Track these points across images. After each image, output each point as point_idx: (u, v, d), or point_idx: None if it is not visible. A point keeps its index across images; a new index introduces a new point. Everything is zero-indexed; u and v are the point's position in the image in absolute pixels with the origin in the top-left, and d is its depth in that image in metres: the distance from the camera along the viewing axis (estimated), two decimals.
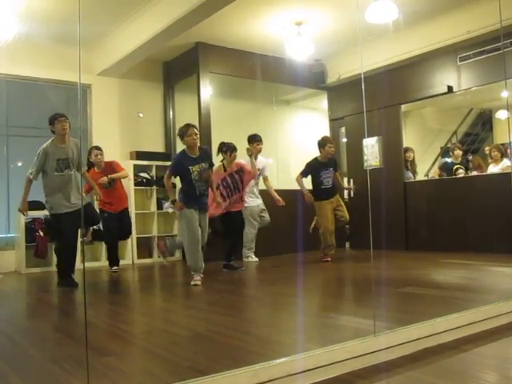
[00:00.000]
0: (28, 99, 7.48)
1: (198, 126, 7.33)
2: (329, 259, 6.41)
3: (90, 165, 6.17)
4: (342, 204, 6.62)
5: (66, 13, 5.93)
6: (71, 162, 5.09)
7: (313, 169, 6.50)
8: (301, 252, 7.18)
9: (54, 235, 5.69)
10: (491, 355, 2.42)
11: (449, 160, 8.19)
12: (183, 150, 4.93)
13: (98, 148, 6.24)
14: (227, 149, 5.81)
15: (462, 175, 7.50)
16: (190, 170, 4.82)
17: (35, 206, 6.83)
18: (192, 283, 4.78)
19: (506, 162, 7.15)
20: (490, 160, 7.48)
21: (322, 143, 6.54)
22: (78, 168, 5.17)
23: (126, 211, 6.49)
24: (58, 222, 5.09)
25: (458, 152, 7.95)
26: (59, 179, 5.03)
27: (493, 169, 7.23)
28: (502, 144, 8.40)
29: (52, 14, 6.13)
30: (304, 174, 6.51)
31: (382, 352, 2.30)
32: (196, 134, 4.84)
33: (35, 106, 7.52)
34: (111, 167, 6.30)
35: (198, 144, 4.95)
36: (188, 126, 4.86)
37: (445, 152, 9.24)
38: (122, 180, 6.47)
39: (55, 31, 6.42)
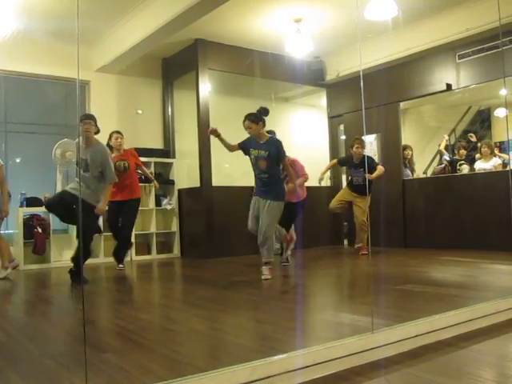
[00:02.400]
0: (26, 95, 7.47)
1: (197, 122, 7.38)
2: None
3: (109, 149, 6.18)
4: (361, 206, 6.72)
5: (64, 9, 5.91)
6: (89, 166, 5.07)
7: (346, 162, 7.12)
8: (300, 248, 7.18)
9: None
10: (489, 352, 2.43)
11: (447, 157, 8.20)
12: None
13: (118, 132, 6.28)
14: None
15: (467, 171, 7.50)
16: (250, 151, 5.01)
17: (34, 202, 6.86)
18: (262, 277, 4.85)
19: (496, 159, 7.17)
20: (479, 155, 7.53)
21: (351, 144, 6.95)
22: (105, 177, 5.18)
23: (131, 201, 6.25)
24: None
25: (463, 152, 7.95)
26: (81, 177, 5.11)
27: (481, 165, 7.23)
28: (501, 142, 8.42)
29: (50, 10, 6.11)
30: (340, 162, 7.21)
31: (380, 349, 2.31)
32: (249, 128, 4.98)
33: (33, 102, 7.51)
34: (131, 154, 6.34)
35: (259, 132, 4.99)
36: (245, 117, 5.02)
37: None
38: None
39: (54, 27, 6.41)
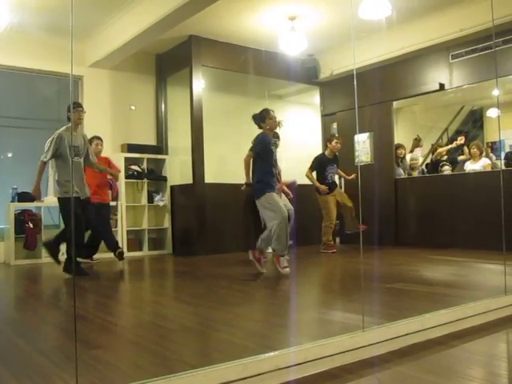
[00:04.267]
0: (19, 90, 7.43)
1: (190, 119, 7.38)
2: (335, 250, 6.87)
3: None
4: (345, 195, 7.02)
5: (58, 3, 5.88)
6: (80, 151, 5.32)
7: (320, 163, 6.94)
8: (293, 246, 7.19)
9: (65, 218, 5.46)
10: (478, 351, 2.44)
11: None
12: (265, 133, 5.06)
13: (99, 138, 6.39)
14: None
15: (449, 172, 7.56)
16: (272, 150, 5.01)
17: (25, 197, 6.82)
18: (285, 271, 4.79)
19: (485, 160, 7.22)
20: (463, 157, 7.58)
21: (329, 139, 7.02)
22: (84, 158, 5.44)
23: (106, 206, 6.47)
24: (68, 205, 5.16)
25: (441, 150, 8.04)
26: (74, 164, 5.24)
27: (470, 166, 7.28)
28: (493, 142, 8.46)
29: (44, 5, 6.07)
30: (313, 168, 6.94)
31: (371, 347, 2.31)
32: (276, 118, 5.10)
33: (26, 96, 7.47)
34: (106, 161, 6.43)
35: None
36: (268, 110, 5.07)
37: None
38: None
39: (47, 22, 6.37)
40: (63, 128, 5.25)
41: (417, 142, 8.46)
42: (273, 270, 5.37)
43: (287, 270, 4.84)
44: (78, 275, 5.08)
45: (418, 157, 8.27)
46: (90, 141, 6.27)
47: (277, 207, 4.83)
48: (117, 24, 6.80)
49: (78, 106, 5.34)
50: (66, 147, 5.15)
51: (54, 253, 5.32)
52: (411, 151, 8.42)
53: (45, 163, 5.19)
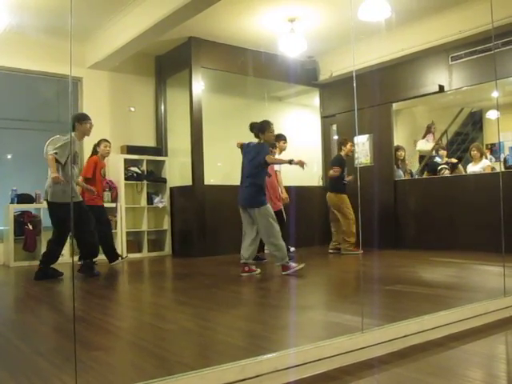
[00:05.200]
0: (18, 91, 7.42)
1: (189, 120, 7.38)
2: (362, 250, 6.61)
3: (94, 154, 6.28)
4: None
5: (57, 5, 5.88)
6: (77, 159, 5.49)
7: (343, 163, 6.97)
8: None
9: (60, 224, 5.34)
10: (477, 353, 2.44)
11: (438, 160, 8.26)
12: (266, 144, 5.15)
13: (107, 140, 6.36)
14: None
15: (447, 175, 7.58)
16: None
17: (25, 199, 6.82)
18: (299, 267, 4.96)
19: (485, 161, 7.25)
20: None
21: (344, 142, 7.03)
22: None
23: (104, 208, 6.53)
24: (64, 211, 5.09)
25: (443, 152, 8.04)
26: (71, 171, 5.22)
27: (471, 168, 7.31)
28: (493, 144, 8.46)
29: (44, 6, 6.08)
30: (341, 166, 6.91)
31: (370, 348, 2.31)
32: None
33: (25, 98, 7.46)
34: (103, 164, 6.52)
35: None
36: (269, 122, 5.14)
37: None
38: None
39: (46, 23, 6.38)
40: (71, 134, 5.29)
41: (428, 129, 8.49)
42: (272, 271, 5.38)
43: (301, 265, 5.02)
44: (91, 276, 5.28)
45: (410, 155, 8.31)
46: (99, 143, 6.30)
47: (274, 219, 5.00)
48: (116, 25, 6.80)
49: (88, 117, 5.44)
50: (70, 153, 5.16)
51: (52, 274, 5.26)
52: (423, 137, 8.50)
53: (57, 160, 5.09)
